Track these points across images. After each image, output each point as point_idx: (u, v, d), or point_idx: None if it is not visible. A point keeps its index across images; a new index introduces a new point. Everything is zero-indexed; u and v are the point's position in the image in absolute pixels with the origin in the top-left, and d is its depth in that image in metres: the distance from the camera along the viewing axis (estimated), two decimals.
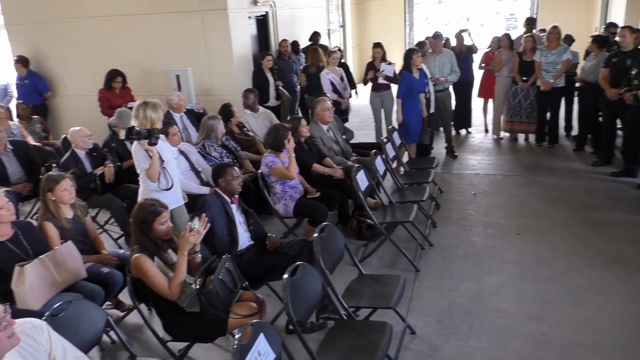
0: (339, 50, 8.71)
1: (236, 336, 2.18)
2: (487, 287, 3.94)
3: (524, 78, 7.16)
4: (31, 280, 2.99)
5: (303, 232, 4.65)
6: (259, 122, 6.26)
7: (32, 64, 7.73)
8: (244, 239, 3.62)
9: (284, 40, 8.02)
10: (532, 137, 7.57)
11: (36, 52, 7.85)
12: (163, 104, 5.82)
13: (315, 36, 8.95)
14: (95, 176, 4.91)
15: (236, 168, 3.71)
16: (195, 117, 6.07)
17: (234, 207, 3.62)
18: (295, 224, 4.85)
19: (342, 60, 8.47)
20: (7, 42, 8.17)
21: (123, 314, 3.78)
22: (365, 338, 2.73)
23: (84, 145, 5.00)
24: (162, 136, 3.88)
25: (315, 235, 3.12)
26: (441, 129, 7.48)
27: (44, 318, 2.34)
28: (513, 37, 7.81)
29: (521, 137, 7.75)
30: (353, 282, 3.37)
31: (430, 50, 7.04)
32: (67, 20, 7.54)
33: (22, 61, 7.55)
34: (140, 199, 3.79)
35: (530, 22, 8.81)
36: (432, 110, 6.51)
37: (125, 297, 3.82)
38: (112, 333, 3.28)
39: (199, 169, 4.90)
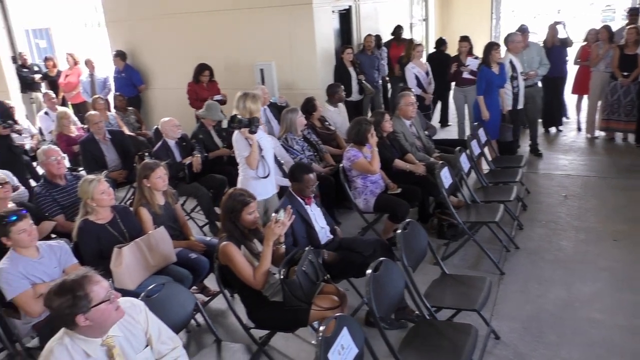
0: (443, 40, 8.34)
1: (321, 328, 2.19)
2: (579, 295, 3.70)
3: (625, 73, 6.64)
4: (128, 262, 3.18)
5: (382, 227, 4.62)
6: (339, 116, 6.27)
7: (129, 58, 8.21)
8: (322, 235, 3.61)
9: (369, 35, 7.94)
10: (631, 137, 7.02)
11: (132, 47, 8.33)
12: None
13: (398, 30, 8.83)
14: (184, 165, 5.14)
15: (312, 176, 3.56)
16: (278, 110, 6.17)
17: (308, 208, 3.57)
18: (375, 219, 4.80)
19: (447, 52, 8.23)
20: (107, 38, 8.74)
21: (207, 298, 3.93)
22: (448, 339, 2.66)
23: (173, 135, 5.25)
24: (261, 126, 3.99)
25: (399, 231, 3.08)
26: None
27: (140, 298, 2.47)
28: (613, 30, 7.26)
29: (619, 136, 7.21)
30: (435, 281, 3.29)
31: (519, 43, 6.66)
32: (161, 17, 7.94)
33: (120, 55, 8.04)
34: (239, 187, 3.94)
35: (634, 13, 8.13)
36: (519, 106, 6.18)
37: (209, 282, 3.99)
38: (197, 316, 3.44)
39: (282, 162, 4.99)
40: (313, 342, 3.41)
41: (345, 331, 2.30)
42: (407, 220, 3.24)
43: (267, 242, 2.88)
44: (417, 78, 7.22)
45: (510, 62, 5.89)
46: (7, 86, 9.30)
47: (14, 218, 2.87)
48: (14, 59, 9.44)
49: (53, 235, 3.93)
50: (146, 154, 6.22)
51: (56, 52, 10.56)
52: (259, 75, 7.35)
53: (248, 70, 7.44)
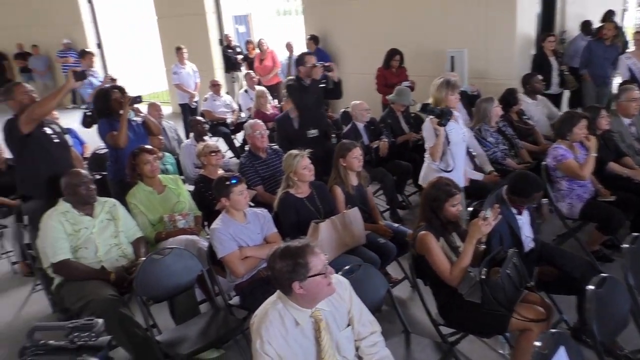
0: None
1: (536, 343, 1.97)
2: None
3: None
4: (323, 237, 3.25)
5: (587, 238, 4.09)
6: (537, 110, 5.74)
7: (320, 42, 8.51)
8: (526, 244, 3.19)
9: (610, 22, 7.02)
10: None
11: (325, 31, 8.62)
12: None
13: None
14: (371, 149, 5.15)
15: (540, 193, 3.21)
16: (468, 99, 5.88)
17: (519, 218, 3.16)
18: (577, 227, 4.28)
19: None
20: (303, 24, 9.16)
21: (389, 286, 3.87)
22: None
23: (362, 119, 5.32)
24: (457, 115, 3.82)
25: (626, 246, 2.66)
26: None
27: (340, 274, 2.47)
28: None
29: None
30: None
31: None
32: (353, 2, 8.06)
33: (313, 39, 8.39)
34: (421, 175, 3.83)
35: None
36: None
37: (391, 270, 3.94)
38: None
39: (474, 153, 4.72)
40: (501, 351, 3.16)
41: (562, 351, 2.02)
42: (635, 234, 2.78)
43: (471, 240, 2.69)
44: (630, 70, 6.28)
45: None
46: (213, 65, 10.35)
47: (235, 181, 3.12)
48: (221, 42, 10.45)
49: (252, 204, 4.22)
50: (333, 135, 6.43)
51: (252, 37, 11.43)
52: (449, 63, 7.05)
53: (437, 57, 7.16)
